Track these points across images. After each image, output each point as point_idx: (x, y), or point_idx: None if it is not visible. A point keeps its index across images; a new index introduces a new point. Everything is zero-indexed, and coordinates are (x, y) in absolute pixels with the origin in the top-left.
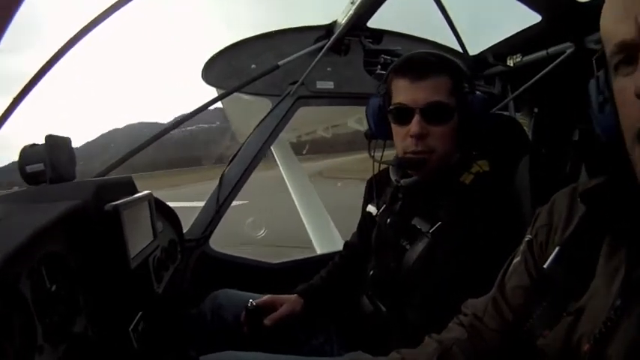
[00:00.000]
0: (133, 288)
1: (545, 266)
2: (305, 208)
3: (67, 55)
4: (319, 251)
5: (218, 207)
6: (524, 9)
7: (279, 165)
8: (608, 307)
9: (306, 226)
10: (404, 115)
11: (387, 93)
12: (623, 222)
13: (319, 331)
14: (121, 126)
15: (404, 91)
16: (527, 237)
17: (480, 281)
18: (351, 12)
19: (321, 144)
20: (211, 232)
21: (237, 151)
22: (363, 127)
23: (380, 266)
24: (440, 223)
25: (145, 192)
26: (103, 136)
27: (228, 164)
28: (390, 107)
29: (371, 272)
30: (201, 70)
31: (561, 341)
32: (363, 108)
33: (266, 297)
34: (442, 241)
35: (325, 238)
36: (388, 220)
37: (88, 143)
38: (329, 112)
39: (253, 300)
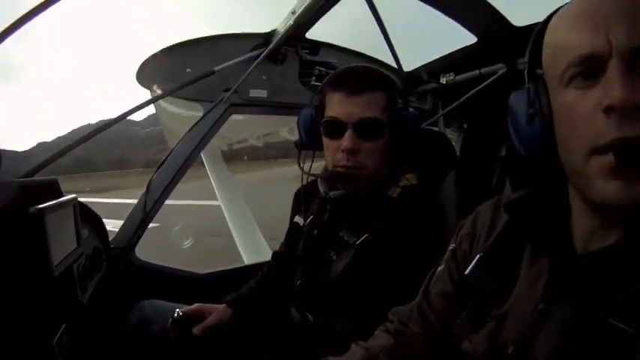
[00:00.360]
0: (56, 298)
1: (466, 272)
2: (233, 218)
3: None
4: (247, 261)
5: (145, 214)
6: (461, 30)
7: (209, 173)
8: (530, 311)
9: (234, 236)
10: (336, 128)
11: (321, 105)
12: (544, 233)
13: (248, 341)
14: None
15: (338, 105)
16: (452, 246)
17: (406, 292)
18: (291, 22)
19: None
20: (138, 240)
21: (166, 157)
22: (294, 136)
23: (307, 277)
24: (366, 235)
25: (71, 196)
26: (74, 131)
27: (157, 170)
28: (323, 120)
29: (298, 282)
30: (135, 71)
31: (486, 345)
32: (295, 118)
33: (194, 306)
34: (368, 253)
35: (253, 248)
36: (315, 231)
37: (58, 138)
38: (262, 120)
39: (180, 310)
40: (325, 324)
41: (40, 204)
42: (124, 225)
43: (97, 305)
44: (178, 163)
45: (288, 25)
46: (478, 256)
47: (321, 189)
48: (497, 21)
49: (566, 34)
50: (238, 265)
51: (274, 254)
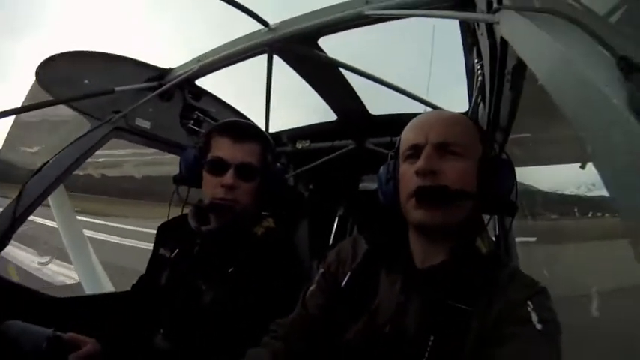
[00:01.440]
0: None
1: (342, 284)
2: (73, 250)
3: None
4: (88, 291)
5: (12, 221)
6: (326, 107)
7: (50, 203)
8: (395, 303)
9: (74, 266)
10: (220, 167)
11: (206, 147)
12: (394, 257)
13: None
14: None
15: (225, 148)
16: (321, 270)
17: (269, 313)
18: (195, 67)
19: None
20: (0, 250)
21: (43, 165)
22: (139, 174)
23: (174, 306)
24: (235, 265)
25: None
26: None
27: (32, 177)
28: (209, 159)
29: (165, 312)
30: (36, 68)
31: (367, 330)
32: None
33: (70, 334)
34: (236, 281)
35: (92, 280)
36: (184, 264)
37: None
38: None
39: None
40: (194, 350)
41: None
42: None
43: None
44: (55, 174)
45: (188, 69)
46: (349, 273)
47: (192, 224)
48: (358, 106)
49: (407, 134)
50: (99, 293)
51: (135, 285)
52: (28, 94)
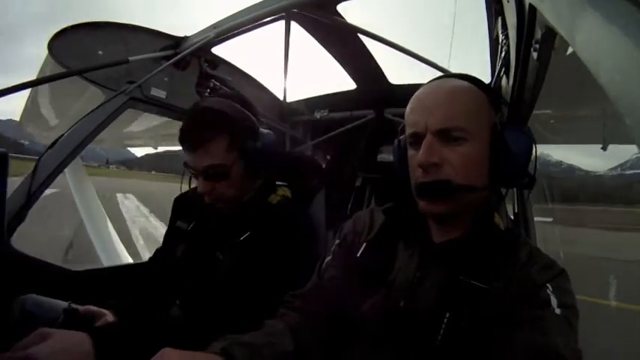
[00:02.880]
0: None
1: (358, 255)
2: (90, 222)
3: None
4: (105, 263)
5: (28, 197)
6: (345, 76)
7: (67, 174)
8: (411, 278)
9: (92, 239)
10: (194, 173)
11: None
12: (411, 230)
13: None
14: None
15: (188, 158)
16: (337, 241)
17: (284, 283)
18: (211, 34)
19: None
20: (15, 227)
21: (57, 139)
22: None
23: (192, 276)
24: (249, 233)
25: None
26: None
27: (46, 151)
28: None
29: (183, 283)
30: (48, 41)
31: (382, 304)
32: None
33: (86, 307)
34: (251, 248)
35: (110, 251)
36: (201, 235)
37: None
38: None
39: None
40: (211, 319)
41: None
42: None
43: None
44: (70, 147)
45: (204, 36)
46: (364, 244)
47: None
48: (377, 75)
49: (408, 116)
50: (116, 265)
51: (152, 259)
52: (41, 68)
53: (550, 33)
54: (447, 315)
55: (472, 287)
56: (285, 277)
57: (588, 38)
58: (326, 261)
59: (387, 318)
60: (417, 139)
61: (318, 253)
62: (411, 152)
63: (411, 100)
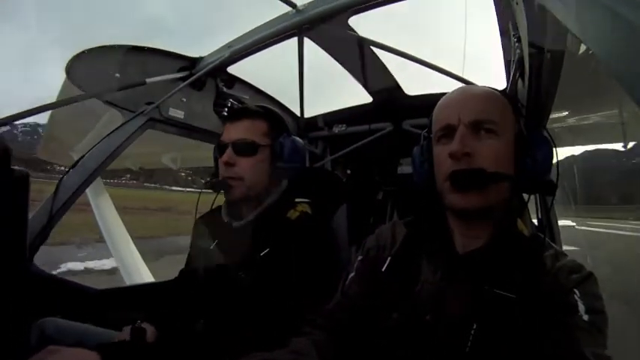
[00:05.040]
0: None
1: (382, 270)
2: (112, 241)
3: None
4: (128, 283)
5: (49, 218)
6: (361, 90)
7: (88, 194)
8: (436, 289)
9: (114, 258)
10: (222, 149)
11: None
12: (434, 242)
13: None
14: None
15: (224, 131)
16: (360, 257)
17: (308, 297)
18: (226, 54)
19: None
20: (38, 247)
21: (79, 160)
22: (176, 165)
23: (214, 297)
24: (268, 249)
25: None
26: None
27: (67, 172)
28: (217, 144)
29: (205, 303)
30: (66, 65)
31: (408, 317)
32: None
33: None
34: (272, 263)
35: (132, 271)
36: (222, 255)
37: None
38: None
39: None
40: (236, 336)
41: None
42: None
43: None
44: (91, 167)
45: (220, 56)
46: (389, 258)
47: (225, 219)
48: (393, 87)
49: (438, 114)
50: (134, 284)
51: (176, 280)
52: (60, 91)
53: (562, 33)
54: (474, 326)
55: (498, 297)
56: (308, 294)
57: (601, 35)
58: (349, 277)
59: (413, 332)
60: (448, 132)
61: (341, 268)
62: (438, 149)
63: (441, 100)
